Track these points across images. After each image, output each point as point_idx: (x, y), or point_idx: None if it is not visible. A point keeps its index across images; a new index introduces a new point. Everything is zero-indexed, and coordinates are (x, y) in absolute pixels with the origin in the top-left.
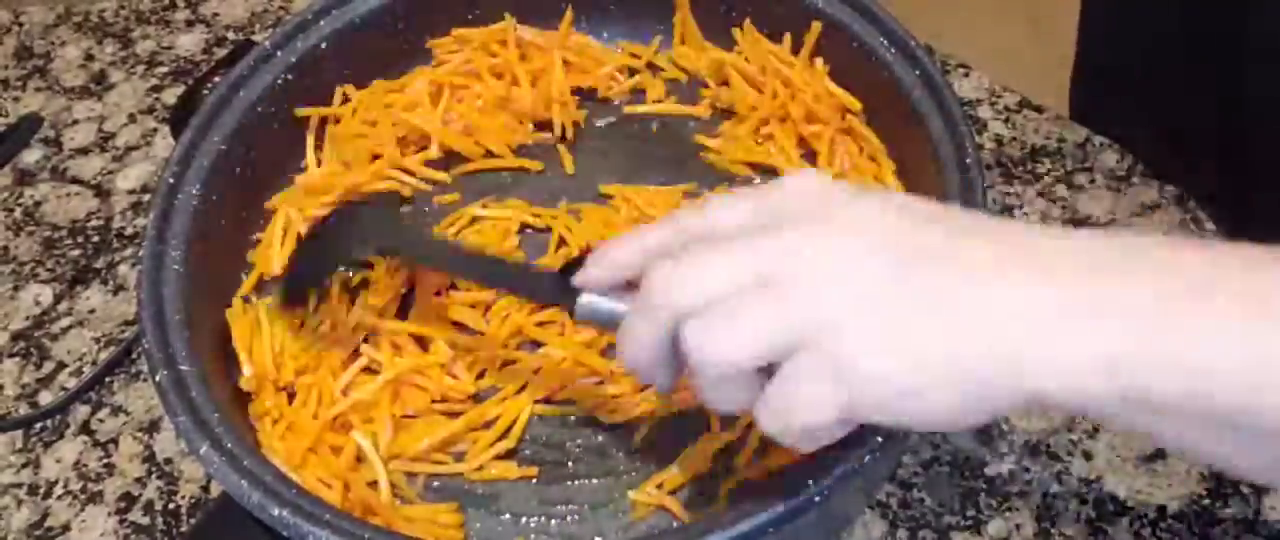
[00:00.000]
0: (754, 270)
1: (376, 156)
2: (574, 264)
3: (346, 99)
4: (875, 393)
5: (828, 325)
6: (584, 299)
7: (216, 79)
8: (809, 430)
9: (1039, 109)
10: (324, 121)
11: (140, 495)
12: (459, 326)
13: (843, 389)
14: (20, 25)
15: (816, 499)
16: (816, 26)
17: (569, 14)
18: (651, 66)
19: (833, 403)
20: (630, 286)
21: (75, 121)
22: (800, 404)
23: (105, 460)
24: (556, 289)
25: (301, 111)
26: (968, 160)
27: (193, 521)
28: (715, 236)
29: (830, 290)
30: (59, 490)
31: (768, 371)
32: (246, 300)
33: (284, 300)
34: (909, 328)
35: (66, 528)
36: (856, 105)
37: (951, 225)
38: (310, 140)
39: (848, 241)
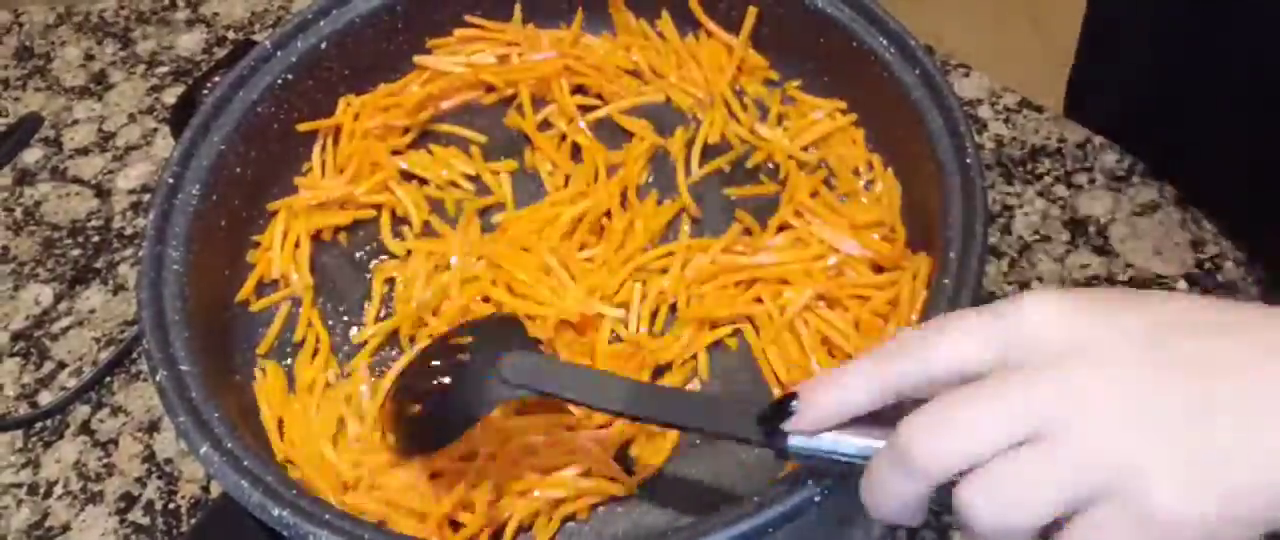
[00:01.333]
0: (1027, 423)
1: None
2: (779, 404)
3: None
4: (1182, 537)
5: (1127, 471)
6: (796, 441)
7: (216, 79)
8: None
9: (1039, 109)
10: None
11: (140, 495)
12: None
13: (1145, 535)
14: (20, 25)
15: (816, 499)
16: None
17: (580, 16)
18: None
19: None
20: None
21: (75, 121)
22: None
23: (105, 460)
24: (757, 428)
25: (303, 126)
26: (968, 160)
27: (193, 521)
28: (961, 376)
29: (1122, 435)
30: (59, 490)
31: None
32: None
33: (409, 449)
34: (1215, 462)
35: (66, 528)
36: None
37: (1234, 337)
38: (317, 148)
39: (1125, 373)
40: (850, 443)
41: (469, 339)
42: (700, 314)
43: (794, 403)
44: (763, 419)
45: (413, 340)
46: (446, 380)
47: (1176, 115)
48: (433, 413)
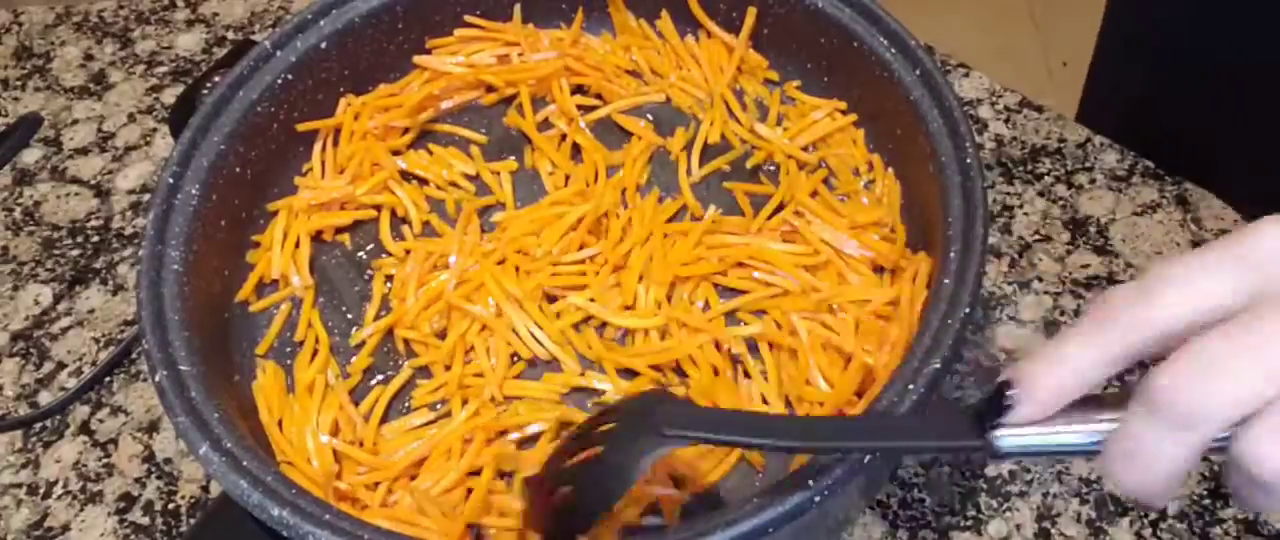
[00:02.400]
0: None
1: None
2: (995, 399)
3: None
4: None
5: None
6: (1007, 438)
7: (215, 79)
8: None
9: (1039, 109)
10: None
11: (140, 495)
12: None
13: None
14: (20, 25)
15: (816, 499)
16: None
17: (580, 16)
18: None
19: None
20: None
21: (75, 121)
22: None
23: (105, 460)
24: (973, 432)
25: (303, 126)
26: (968, 160)
27: (192, 522)
28: (1199, 325)
29: None
30: (58, 490)
31: None
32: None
33: (563, 533)
34: None
35: (66, 528)
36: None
37: None
38: (317, 148)
39: None
40: (1076, 431)
41: (611, 425)
42: (665, 273)
43: (1011, 393)
44: (981, 417)
45: (407, 344)
46: (598, 449)
47: (1193, 119)
48: (585, 486)
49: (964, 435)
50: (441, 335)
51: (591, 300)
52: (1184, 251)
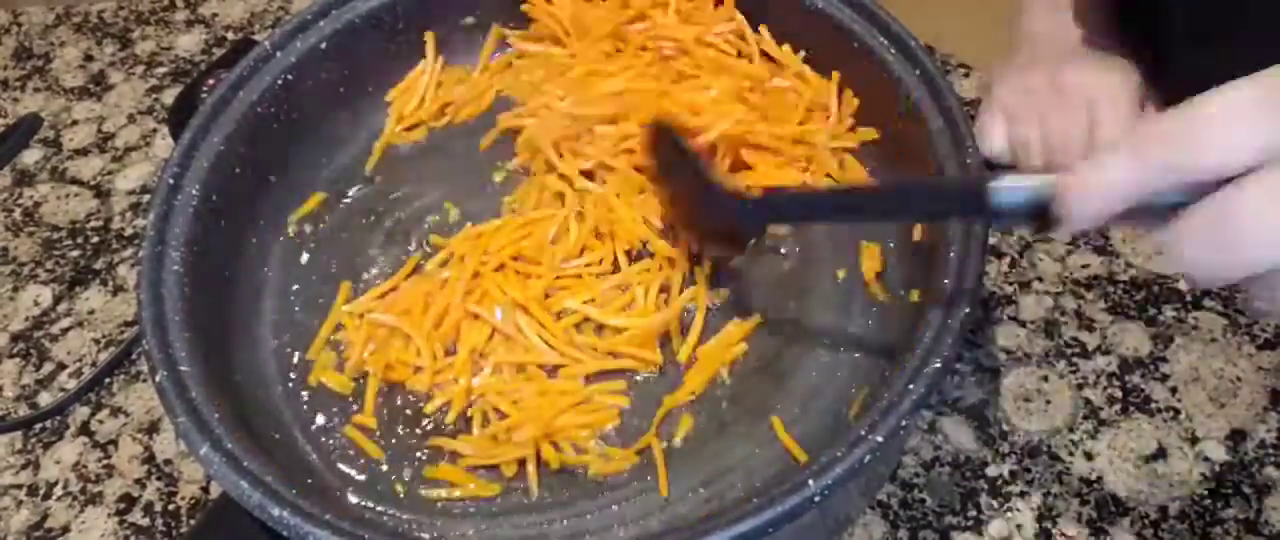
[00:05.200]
0: None
1: None
2: (1044, 211)
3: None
4: None
5: None
6: (1001, 192)
7: (215, 79)
8: None
9: None
10: None
11: (140, 496)
12: None
13: None
14: (19, 25)
15: (816, 499)
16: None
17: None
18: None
19: None
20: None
21: (75, 122)
22: None
23: (105, 461)
24: (1029, 224)
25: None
26: (968, 160)
27: (192, 522)
28: (1232, 172)
29: None
30: (58, 491)
31: None
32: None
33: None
34: None
35: (66, 529)
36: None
37: None
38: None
39: None
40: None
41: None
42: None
43: (1056, 207)
44: (1034, 217)
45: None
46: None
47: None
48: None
49: (1022, 223)
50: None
51: (591, 300)
52: None
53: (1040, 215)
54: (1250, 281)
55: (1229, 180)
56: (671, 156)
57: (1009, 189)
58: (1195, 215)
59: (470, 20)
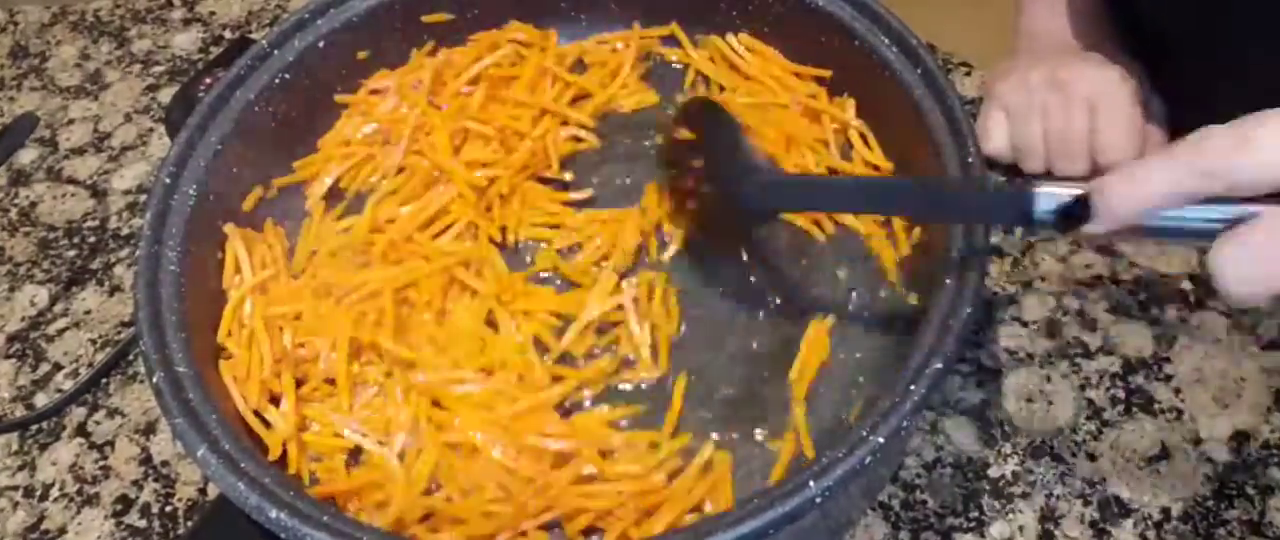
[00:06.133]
0: None
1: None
2: (1076, 206)
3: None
4: None
5: None
6: (1042, 199)
7: (211, 78)
8: None
9: None
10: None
11: (137, 498)
12: None
13: None
14: (15, 24)
15: (817, 500)
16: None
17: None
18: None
19: None
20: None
21: (71, 121)
22: None
23: (101, 463)
24: (1062, 227)
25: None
26: (969, 159)
27: (189, 524)
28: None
29: None
30: (55, 493)
31: None
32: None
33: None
34: None
35: (62, 530)
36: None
37: None
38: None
39: None
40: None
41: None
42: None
43: (1092, 202)
44: (1063, 215)
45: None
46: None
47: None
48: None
49: (1056, 228)
50: None
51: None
52: (1187, 251)
53: (1073, 214)
54: None
55: (1268, 197)
56: (711, 125)
57: (1049, 195)
58: (1238, 235)
59: (469, 19)
